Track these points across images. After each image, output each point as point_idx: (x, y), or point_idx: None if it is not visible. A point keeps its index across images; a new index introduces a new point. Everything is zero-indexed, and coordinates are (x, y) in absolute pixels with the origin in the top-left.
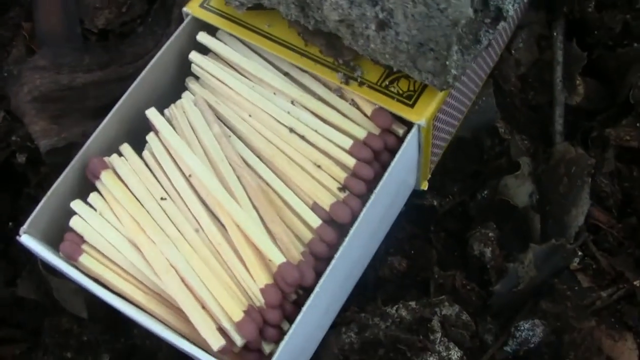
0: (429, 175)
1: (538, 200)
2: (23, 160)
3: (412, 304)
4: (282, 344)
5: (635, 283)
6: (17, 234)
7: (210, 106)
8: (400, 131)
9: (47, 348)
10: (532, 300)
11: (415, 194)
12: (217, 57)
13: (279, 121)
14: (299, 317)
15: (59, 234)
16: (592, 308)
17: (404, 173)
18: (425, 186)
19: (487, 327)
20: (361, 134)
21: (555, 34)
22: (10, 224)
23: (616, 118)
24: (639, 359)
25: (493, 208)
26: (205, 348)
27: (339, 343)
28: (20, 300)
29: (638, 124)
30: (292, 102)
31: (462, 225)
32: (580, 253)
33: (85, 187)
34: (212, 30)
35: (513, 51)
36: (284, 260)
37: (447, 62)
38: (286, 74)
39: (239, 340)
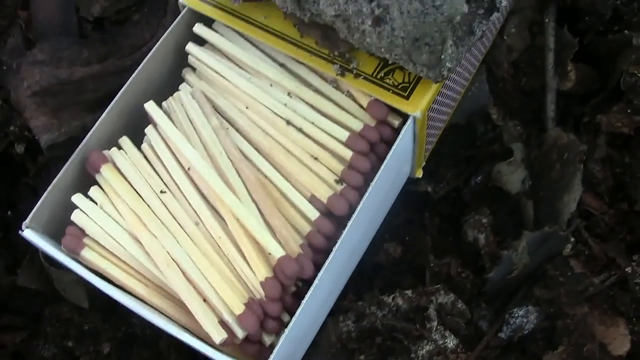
0: (424, 163)
1: (531, 187)
2: (22, 150)
3: (409, 292)
4: (283, 335)
5: (626, 269)
6: (16, 221)
7: (207, 98)
8: (396, 122)
9: (47, 337)
10: (526, 287)
11: (410, 180)
12: (214, 48)
13: (275, 113)
14: (299, 310)
15: (60, 227)
16: (585, 294)
17: (399, 163)
18: (420, 174)
19: (482, 313)
20: (357, 126)
21: (547, 20)
22: (9, 212)
23: (607, 103)
24: (631, 345)
25: (486, 194)
26: (207, 340)
27: (336, 331)
28: (20, 287)
29: (629, 111)
30: (289, 94)
31: (456, 210)
32: (572, 239)
33: (86, 180)
34: (208, 22)
35: (505, 37)
36: (283, 253)
37: (442, 56)
38: (282, 66)
39: (240, 333)
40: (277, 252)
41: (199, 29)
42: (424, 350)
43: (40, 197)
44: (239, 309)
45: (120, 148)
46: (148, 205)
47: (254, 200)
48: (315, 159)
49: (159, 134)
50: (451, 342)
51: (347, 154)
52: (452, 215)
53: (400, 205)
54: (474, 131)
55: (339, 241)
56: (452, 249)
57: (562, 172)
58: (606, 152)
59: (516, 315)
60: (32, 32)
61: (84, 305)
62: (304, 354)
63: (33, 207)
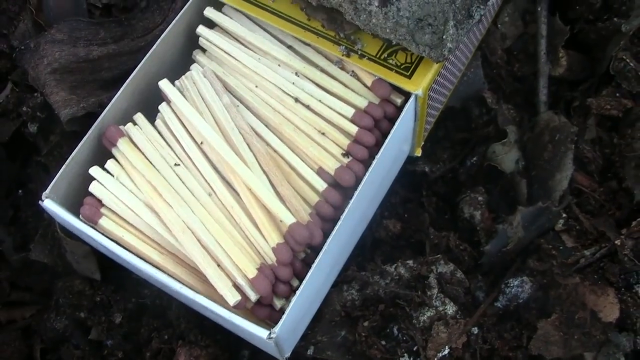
0: (422, 142)
1: (524, 166)
2: (35, 129)
3: (410, 262)
4: (294, 298)
5: (616, 242)
6: (26, 201)
7: (218, 77)
8: (399, 101)
9: (59, 309)
10: (520, 260)
11: (408, 160)
12: (224, 31)
13: (284, 91)
14: (309, 274)
15: (76, 199)
16: (576, 266)
17: (401, 140)
18: (419, 153)
19: (478, 284)
20: (362, 103)
21: (539, 8)
22: (19, 191)
23: (597, 88)
24: (620, 312)
25: (482, 173)
26: (220, 304)
27: (341, 300)
28: (30, 264)
29: (617, 94)
30: (296, 74)
31: (453, 190)
32: (564, 215)
33: (100, 155)
34: (218, 6)
35: (499, 25)
36: (294, 220)
37: (444, 36)
38: (290, 47)
39: (253, 296)
40: (289, 219)
41: (209, 12)
42: (425, 316)
43: (53, 174)
44: (252, 272)
45: (135, 124)
46: (163, 177)
47: (264, 172)
48: (323, 134)
49: (173, 110)
50: (451, 308)
51: (353, 129)
52: (449, 195)
53: (399, 184)
54: (469, 115)
55: (347, 210)
56: (449, 226)
57: (554, 152)
58: (596, 133)
59: (512, 285)
60: (42, 17)
61: (96, 277)
62: (309, 324)
63: (44, 186)
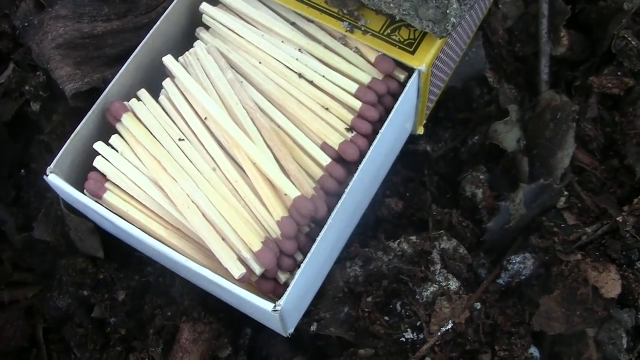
0: (425, 121)
1: (525, 145)
2: (37, 108)
3: (413, 238)
4: (299, 271)
5: (617, 219)
6: (28, 181)
7: (221, 54)
8: (402, 76)
9: (62, 287)
10: (522, 237)
11: (409, 140)
12: (227, 8)
13: (288, 67)
14: (314, 247)
15: (80, 175)
16: (578, 243)
17: (404, 116)
18: (421, 131)
19: (481, 261)
20: (366, 78)
21: None
22: (22, 171)
23: (598, 67)
24: (622, 288)
25: (483, 152)
26: (226, 278)
27: (344, 276)
28: (32, 245)
29: (619, 73)
30: (300, 50)
31: (454, 169)
32: (566, 193)
33: (103, 131)
34: None
35: (500, 5)
36: (299, 193)
37: (448, 11)
38: (293, 24)
39: (257, 269)
40: (293, 192)
41: None
42: (428, 291)
43: (56, 153)
44: (257, 246)
45: (139, 99)
46: (168, 152)
47: (269, 147)
48: (326, 109)
49: (176, 86)
50: (454, 284)
51: (357, 104)
52: (450, 174)
53: (400, 164)
54: (470, 94)
55: (351, 183)
56: (450, 205)
57: (555, 130)
58: (597, 111)
59: (514, 262)
60: None
61: (99, 255)
62: (311, 301)
63: (47, 165)
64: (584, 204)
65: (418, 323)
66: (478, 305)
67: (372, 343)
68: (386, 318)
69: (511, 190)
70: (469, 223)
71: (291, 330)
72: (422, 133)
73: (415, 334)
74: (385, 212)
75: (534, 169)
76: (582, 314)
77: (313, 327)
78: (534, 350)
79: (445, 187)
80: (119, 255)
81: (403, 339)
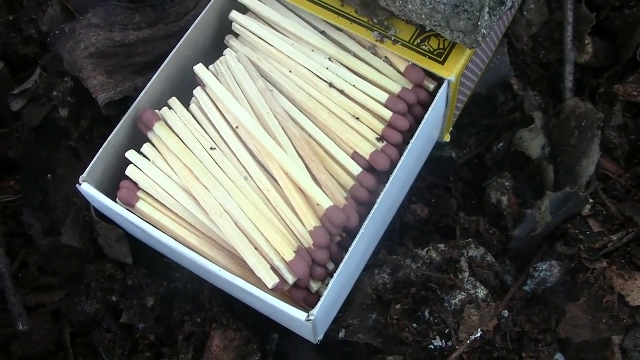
0: (451, 128)
1: (550, 152)
2: (65, 114)
3: (441, 246)
4: (332, 281)
5: None
6: (55, 185)
7: (251, 62)
8: (431, 86)
9: (90, 292)
10: (547, 244)
11: (435, 146)
12: (256, 16)
13: (318, 76)
14: (346, 257)
15: (111, 183)
16: (603, 250)
17: (433, 125)
18: (447, 138)
19: (506, 268)
20: (396, 88)
21: None
22: (48, 175)
23: (622, 75)
24: None
25: (508, 159)
26: (258, 287)
27: (372, 283)
28: (57, 249)
29: None
30: (330, 59)
31: (479, 175)
32: (591, 200)
33: (134, 139)
34: None
35: (525, 12)
36: (331, 203)
37: (479, 22)
38: (322, 33)
39: (290, 278)
40: (326, 202)
41: None
42: (457, 299)
43: (84, 159)
44: (290, 255)
45: (170, 108)
46: (199, 161)
47: (300, 156)
48: (357, 118)
49: (207, 94)
50: (481, 292)
51: (387, 113)
52: (475, 180)
53: (425, 170)
54: (494, 101)
55: (382, 193)
56: (475, 211)
57: (580, 138)
58: (622, 119)
59: (540, 269)
60: (70, 2)
61: (128, 261)
62: (340, 308)
63: (74, 170)
64: (608, 212)
65: (446, 330)
66: (505, 313)
67: (401, 350)
68: (414, 325)
69: (536, 197)
70: (495, 230)
71: (320, 337)
72: (448, 140)
73: (443, 341)
74: (411, 218)
75: (558, 176)
76: (608, 322)
77: (341, 334)
78: (559, 357)
79: (470, 193)
80: (147, 261)
81: (432, 346)
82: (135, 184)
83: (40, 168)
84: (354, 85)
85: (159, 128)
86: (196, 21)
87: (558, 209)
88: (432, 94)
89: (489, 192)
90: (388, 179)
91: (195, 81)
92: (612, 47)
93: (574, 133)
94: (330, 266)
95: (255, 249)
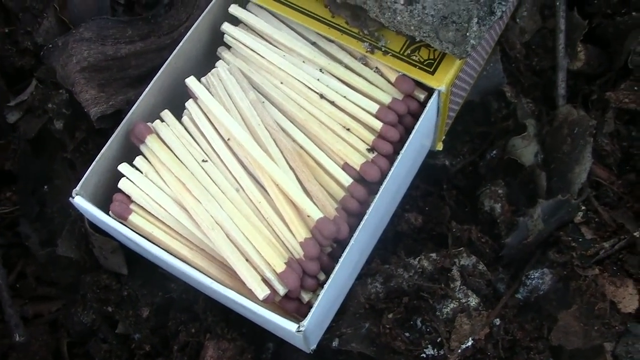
0: (444, 137)
1: (543, 160)
2: (61, 126)
3: (433, 255)
4: (322, 292)
5: (635, 234)
6: (51, 197)
7: (243, 74)
8: (422, 96)
9: (86, 303)
10: (540, 252)
11: (428, 154)
12: (248, 28)
13: (309, 88)
14: (336, 267)
15: (104, 196)
16: (595, 258)
17: (424, 135)
18: (440, 147)
19: (499, 276)
20: (386, 99)
21: (557, 3)
22: (45, 187)
23: (614, 82)
24: (639, 303)
25: (501, 167)
26: (249, 298)
27: (365, 292)
28: (54, 259)
29: (636, 88)
30: (321, 70)
31: (472, 183)
32: (583, 207)
33: (127, 152)
34: (242, 3)
35: (518, 20)
36: (322, 215)
37: (468, 33)
38: (314, 44)
39: (281, 290)
40: (316, 214)
41: (234, 9)
42: (449, 308)
43: (79, 171)
44: (281, 267)
45: (162, 120)
46: (191, 173)
47: (291, 168)
48: (348, 129)
49: (199, 107)
50: (473, 300)
51: (378, 124)
52: (468, 188)
53: (419, 178)
54: (488, 108)
55: (372, 204)
56: (469, 219)
57: (572, 145)
58: (614, 126)
59: (532, 277)
60: (66, 15)
61: (123, 272)
62: (333, 317)
63: (70, 181)
64: (601, 219)
65: (438, 339)
66: (497, 321)
67: (393, 359)
68: (407, 334)
69: (529, 205)
70: (487, 239)
71: (314, 347)
72: (441, 149)
73: (435, 350)
74: (405, 226)
75: (551, 183)
76: (600, 329)
77: (335, 343)
78: None
79: (464, 200)
80: (143, 272)
81: (424, 355)
82: (128, 197)
83: (36, 179)
84: (344, 97)
85: (151, 141)
86: (188, 33)
87: (550, 216)
88: (423, 104)
89: (482, 200)
90: (379, 189)
91: (188, 93)
92: (604, 54)
93: (566, 140)
94: (322, 277)
95: (247, 260)
